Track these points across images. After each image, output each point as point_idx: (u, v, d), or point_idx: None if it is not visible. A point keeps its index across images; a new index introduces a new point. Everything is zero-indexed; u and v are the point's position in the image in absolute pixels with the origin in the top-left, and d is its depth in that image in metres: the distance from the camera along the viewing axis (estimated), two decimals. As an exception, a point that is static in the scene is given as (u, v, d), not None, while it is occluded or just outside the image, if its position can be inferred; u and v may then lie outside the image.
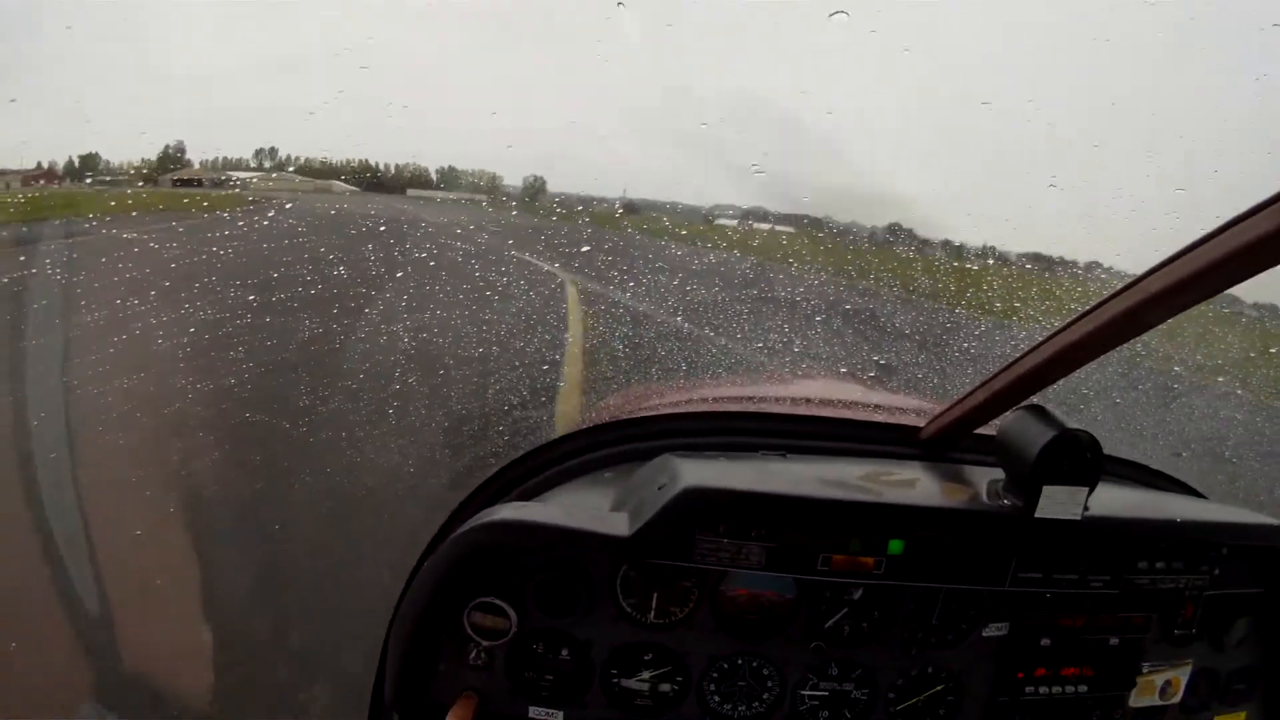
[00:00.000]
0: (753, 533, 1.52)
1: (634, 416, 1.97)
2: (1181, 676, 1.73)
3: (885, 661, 1.63)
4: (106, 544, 2.89)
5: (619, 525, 1.45)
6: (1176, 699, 1.73)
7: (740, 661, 1.60)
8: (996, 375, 1.57)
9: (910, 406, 2.21)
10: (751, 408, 2.11)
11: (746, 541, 1.53)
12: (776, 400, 2.24)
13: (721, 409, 2.04)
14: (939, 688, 1.65)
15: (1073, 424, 1.43)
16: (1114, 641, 1.67)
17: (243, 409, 4.88)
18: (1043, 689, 1.65)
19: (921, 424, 1.83)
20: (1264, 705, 1.83)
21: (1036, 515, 1.45)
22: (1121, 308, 1.25)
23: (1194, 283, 1.13)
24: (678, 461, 1.56)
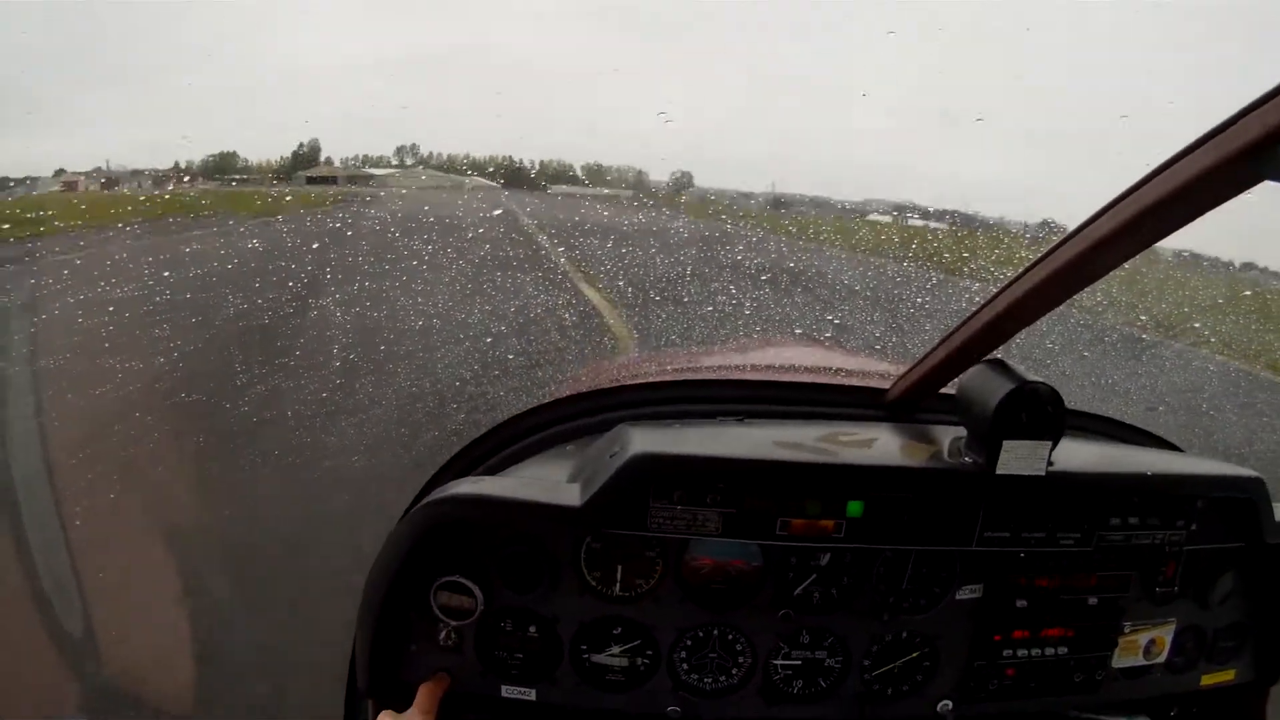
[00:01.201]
0: (708, 498, 1.50)
1: (594, 389, 1.94)
2: (1166, 635, 1.72)
3: (857, 628, 1.61)
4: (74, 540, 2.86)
5: (571, 495, 1.44)
6: (1161, 658, 1.73)
7: (711, 632, 1.59)
8: (955, 331, 1.55)
9: (878, 369, 2.19)
10: (711, 375, 2.10)
11: (702, 508, 1.50)
12: (738, 367, 2.22)
13: (680, 378, 2.01)
14: (914, 654, 1.64)
15: (1035, 376, 1.40)
16: (1093, 601, 1.65)
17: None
18: (1021, 651, 1.64)
19: (888, 386, 1.80)
20: (1254, 662, 1.82)
21: (998, 471, 1.42)
22: (1073, 253, 1.22)
23: (1141, 223, 1.11)
24: (632, 430, 1.54)
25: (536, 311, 7.34)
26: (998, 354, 1.55)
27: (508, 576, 1.52)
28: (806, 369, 2.14)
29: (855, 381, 1.93)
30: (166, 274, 6.25)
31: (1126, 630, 1.68)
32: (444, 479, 1.75)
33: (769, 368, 2.17)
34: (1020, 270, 1.36)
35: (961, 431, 1.53)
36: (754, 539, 1.53)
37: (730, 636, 1.59)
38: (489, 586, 1.52)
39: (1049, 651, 1.65)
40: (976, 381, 1.47)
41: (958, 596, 1.61)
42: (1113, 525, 1.61)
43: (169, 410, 4.44)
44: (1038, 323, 1.49)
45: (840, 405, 1.82)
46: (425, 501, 1.47)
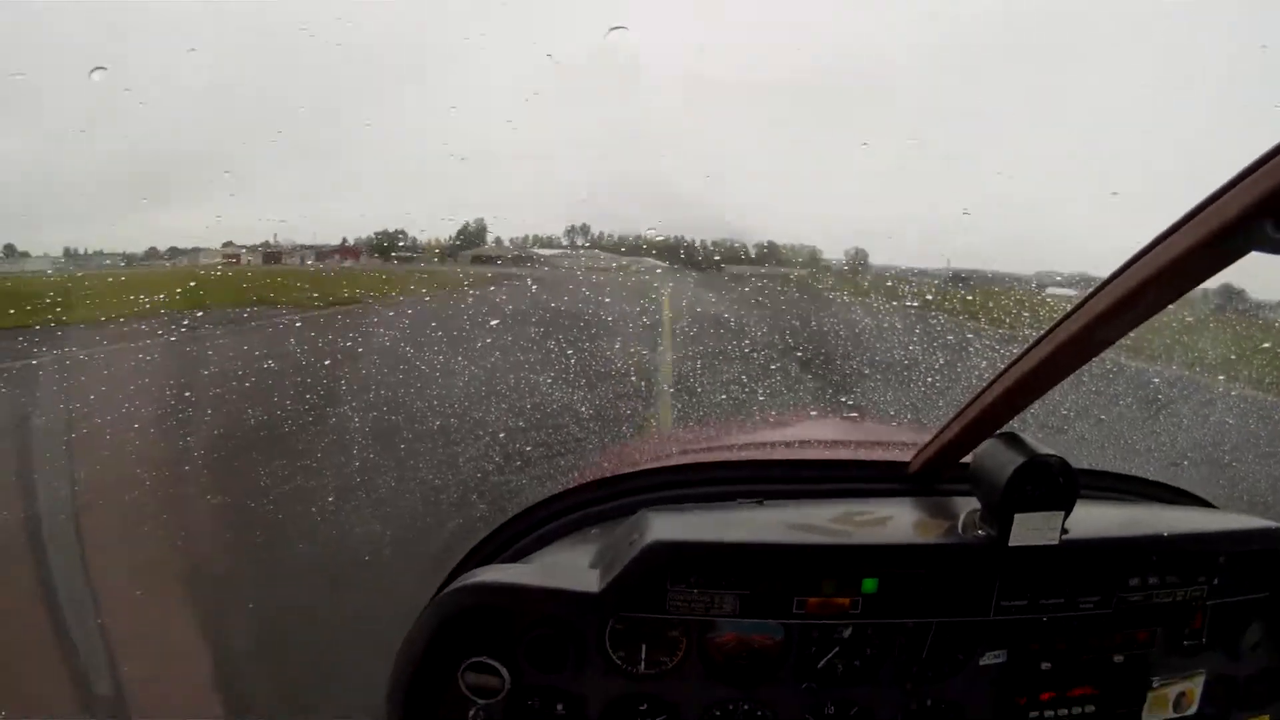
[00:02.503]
0: (723, 581, 1.53)
1: (616, 474, 1.98)
2: (1195, 688, 1.71)
3: (882, 698, 1.62)
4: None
5: (591, 582, 1.48)
6: (1193, 710, 1.71)
7: (738, 706, 1.60)
8: (969, 405, 1.60)
9: (902, 440, 2.21)
10: (731, 456, 2.13)
11: (718, 590, 1.53)
12: (759, 446, 2.24)
13: (700, 459, 2.05)
14: None
15: (1045, 449, 1.44)
16: (1118, 659, 1.66)
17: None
18: (1048, 712, 1.64)
19: (909, 458, 1.84)
20: None
21: (1010, 544, 1.45)
22: (1073, 329, 1.28)
23: (1137, 298, 1.16)
24: (651, 516, 1.57)
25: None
26: (1013, 424, 1.59)
27: (534, 657, 1.55)
28: (829, 444, 2.16)
29: (878, 455, 1.96)
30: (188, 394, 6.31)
31: (1155, 685, 1.68)
32: (470, 564, 1.78)
33: (791, 444, 2.20)
34: (1027, 346, 1.41)
35: (978, 504, 1.56)
36: (771, 618, 1.55)
37: (755, 711, 1.60)
38: (516, 667, 1.55)
39: (1076, 711, 1.65)
40: (988, 456, 1.51)
41: (981, 662, 1.62)
42: (1132, 586, 1.62)
43: (198, 511, 4.49)
44: (1056, 389, 1.52)
45: (861, 480, 1.84)
46: (450, 589, 1.51)
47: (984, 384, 1.55)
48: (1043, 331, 1.37)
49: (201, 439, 5.61)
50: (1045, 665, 1.63)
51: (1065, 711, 1.64)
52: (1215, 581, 1.66)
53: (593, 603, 1.46)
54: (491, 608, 1.53)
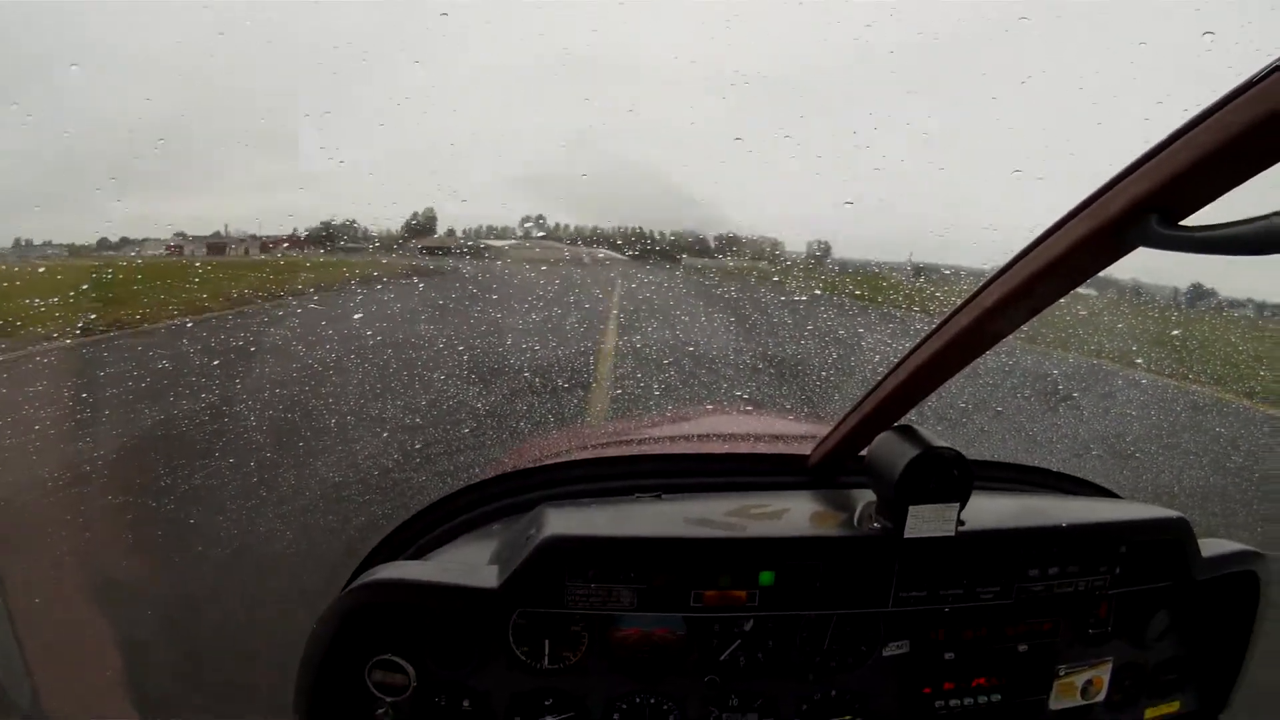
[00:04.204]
0: (620, 576, 1.52)
1: (520, 469, 1.95)
2: (1103, 675, 1.74)
3: (785, 690, 1.62)
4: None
5: (489, 578, 1.46)
6: (1100, 697, 1.75)
7: (639, 700, 1.59)
8: (865, 398, 1.60)
9: (802, 433, 2.21)
10: (630, 450, 2.12)
11: (615, 585, 1.52)
12: (660, 440, 2.23)
13: (600, 455, 2.03)
14: (847, 715, 1.64)
15: (940, 442, 1.44)
16: (1023, 648, 1.68)
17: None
18: (953, 702, 1.65)
19: (809, 450, 1.83)
20: (1198, 693, 1.86)
21: (905, 535, 1.46)
22: (965, 323, 1.28)
23: (1025, 291, 1.17)
24: (549, 511, 1.55)
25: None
26: (910, 417, 1.60)
27: (438, 654, 1.54)
28: (729, 437, 2.15)
29: (778, 448, 1.95)
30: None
31: (1062, 673, 1.71)
32: (374, 562, 1.74)
33: (691, 438, 2.19)
34: (919, 339, 1.42)
35: (874, 497, 1.56)
36: (668, 611, 1.55)
37: (659, 704, 1.59)
38: (421, 663, 1.53)
39: (982, 699, 1.66)
40: (884, 448, 1.51)
41: (885, 653, 1.63)
42: (1031, 577, 1.64)
43: (96, 512, 4.30)
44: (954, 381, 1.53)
45: (761, 474, 1.84)
46: (350, 587, 1.48)
47: (880, 377, 1.55)
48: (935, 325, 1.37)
49: (100, 441, 5.36)
50: (949, 655, 1.64)
51: (971, 700, 1.66)
52: (1117, 571, 1.70)
53: (491, 598, 1.44)
54: (394, 604, 1.50)
